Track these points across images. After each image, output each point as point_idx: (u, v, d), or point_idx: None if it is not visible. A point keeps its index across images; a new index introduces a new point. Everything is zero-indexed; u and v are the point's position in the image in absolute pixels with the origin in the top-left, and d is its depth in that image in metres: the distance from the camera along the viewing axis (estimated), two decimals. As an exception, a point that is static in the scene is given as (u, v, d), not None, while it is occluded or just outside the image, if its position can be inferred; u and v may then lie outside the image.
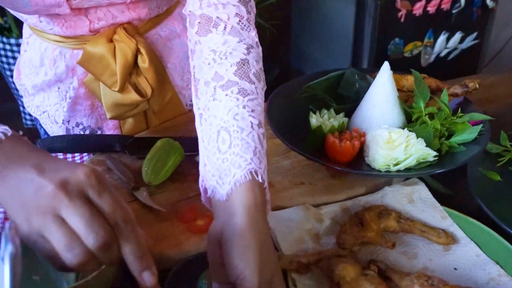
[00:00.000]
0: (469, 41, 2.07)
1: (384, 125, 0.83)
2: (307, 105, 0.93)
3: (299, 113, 0.90)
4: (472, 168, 0.84)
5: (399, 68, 2.15)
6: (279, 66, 2.39)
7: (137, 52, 0.85)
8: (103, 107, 0.88)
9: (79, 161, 0.90)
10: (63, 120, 0.92)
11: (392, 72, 0.84)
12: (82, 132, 0.94)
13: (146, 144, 0.87)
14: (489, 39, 2.13)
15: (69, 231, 0.42)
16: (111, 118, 0.88)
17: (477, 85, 0.91)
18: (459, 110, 0.86)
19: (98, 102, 0.90)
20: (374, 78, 0.97)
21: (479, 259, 0.70)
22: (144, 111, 0.93)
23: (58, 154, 0.89)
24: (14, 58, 1.67)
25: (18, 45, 1.65)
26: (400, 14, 1.88)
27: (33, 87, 0.91)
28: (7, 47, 1.64)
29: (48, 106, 0.92)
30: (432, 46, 2.02)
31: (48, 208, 0.42)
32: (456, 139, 0.82)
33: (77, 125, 0.93)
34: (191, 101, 1.02)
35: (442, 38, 2.01)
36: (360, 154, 0.82)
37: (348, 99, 0.96)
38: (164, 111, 0.96)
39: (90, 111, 0.92)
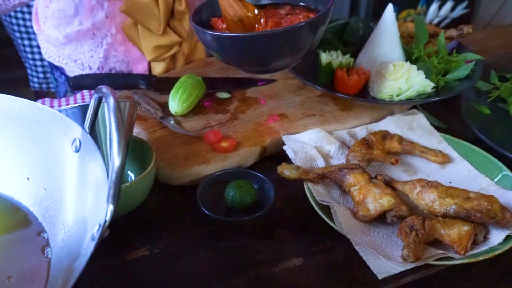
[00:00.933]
0: (460, 10, 2.16)
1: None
2: (316, 48, 1.01)
3: (309, 56, 0.98)
4: (465, 103, 0.93)
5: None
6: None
7: None
8: (139, 51, 0.96)
9: (106, 97, 0.97)
10: (98, 66, 1.00)
11: (394, 15, 0.92)
12: None
13: (168, 82, 0.94)
14: (479, 8, 2.22)
15: None
16: (150, 60, 0.97)
17: (471, 30, 1.00)
18: (454, 52, 0.95)
19: (132, 47, 0.98)
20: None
21: (471, 174, 0.79)
22: (174, 55, 1.01)
23: (88, 90, 0.96)
24: (24, 19, 1.72)
25: (29, 6, 1.69)
26: (395, -19, 1.96)
27: (66, 37, 0.98)
28: (17, 8, 1.68)
29: (81, 54, 0.99)
30: (425, 14, 2.10)
31: None
32: (451, 75, 0.91)
33: (110, 70, 1.00)
34: None
35: (434, 6, 2.09)
36: (365, 90, 0.91)
37: (352, 45, 1.04)
38: (190, 54, 1.04)
39: (123, 56, 1.00)
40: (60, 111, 0.66)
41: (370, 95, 0.89)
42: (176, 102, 0.87)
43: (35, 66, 1.85)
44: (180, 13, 0.94)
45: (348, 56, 0.96)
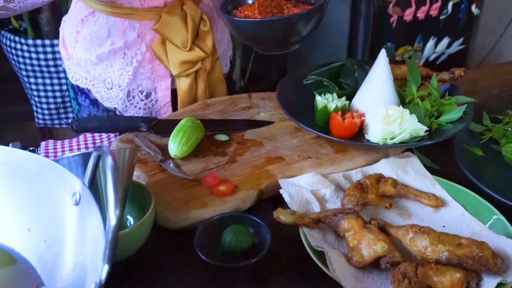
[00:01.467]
0: (456, 46, 2.21)
1: (382, 104, 0.95)
2: (312, 91, 1.04)
3: (305, 98, 1.02)
4: (458, 144, 0.95)
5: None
6: (277, 70, 2.50)
7: (200, 18, 1.04)
8: (165, 68, 1.05)
9: (107, 140, 1.00)
10: (126, 84, 1.07)
11: (387, 59, 0.95)
12: (140, 94, 1.08)
13: (169, 125, 0.97)
14: (474, 44, 2.27)
15: None
16: (176, 75, 1.05)
17: (463, 72, 1.03)
18: (447, 94, 0.98)
19: (158, 65, 1.05)
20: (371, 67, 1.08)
21: (464, 218, 0.80)
22: (196, 72, 1.08)
23: (91, 133, 0.99)
24: (31, 58, 1.77)
25: (35, 45, 1.74)
26: (392, 19, 2.01)
27: (98, 57, 1.05)
28: (25, 47, 1.74)
29: (112, 72, 1.06)
30: (422, 51, 2.15)
31: None
32: (444, 118, 0.94)
33: (137, 87, 1.07)
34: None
35: (430, 43, 2.14)
36: (360, 132, 0.93)
37: (348, 87, 1.08)
38: (210, 72, 1.11)
39: (149, 74, 1.07)
40: (62, 159, 0.68)
41: (364, 137, 0.92)
42: (175, 146, 0.89)
43: (40, 103, 1.89)
44: (204, 32, 1.04)
45: (343, 99, 0.98)
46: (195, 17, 1.02)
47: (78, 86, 1.12)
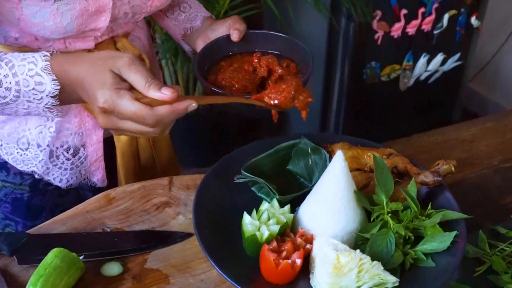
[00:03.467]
0: (451, 63, 1.92)
1: (338, 225, 0.68)
2: (248, 188, 0.77)
3: (237, 200, 0.74)
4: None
5: (376, 92, 1.98)
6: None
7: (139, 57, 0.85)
8: (95, 119, 0.85)
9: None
10: (48, 143, 0.84)
11: (345, 164, 0.67)
12: (66, 152, 0.87)
13: (42, 247, 0.69)
14: (472, 59, 1.98)
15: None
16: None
17: (453, 168, 0.74)
18: (430, 206, 0.70)
19: (87, 116, 0.86)
20: (330, 152, 0.81)
21: None
22: None
23: None
24: None
25: None
26: (376, 36, 1.72)
27: None
28: None
29: (27, 131, 0.84)
30: (412, 69, 1.86)
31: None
32: (423, 247, 0.66)
33: (61, 145, 0.86)
34: None
35: (422, 60, 1.85)
36: (305, 268, 0.66)
37: (299, 176, 0.80)
38: None
39: (77, 129, 0.86)
40: None
41: (309, 280, 0.65)
42: (32, 301, 0.62)
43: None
44: None
45: (287, 209, 0.71)
46: None
47: None
